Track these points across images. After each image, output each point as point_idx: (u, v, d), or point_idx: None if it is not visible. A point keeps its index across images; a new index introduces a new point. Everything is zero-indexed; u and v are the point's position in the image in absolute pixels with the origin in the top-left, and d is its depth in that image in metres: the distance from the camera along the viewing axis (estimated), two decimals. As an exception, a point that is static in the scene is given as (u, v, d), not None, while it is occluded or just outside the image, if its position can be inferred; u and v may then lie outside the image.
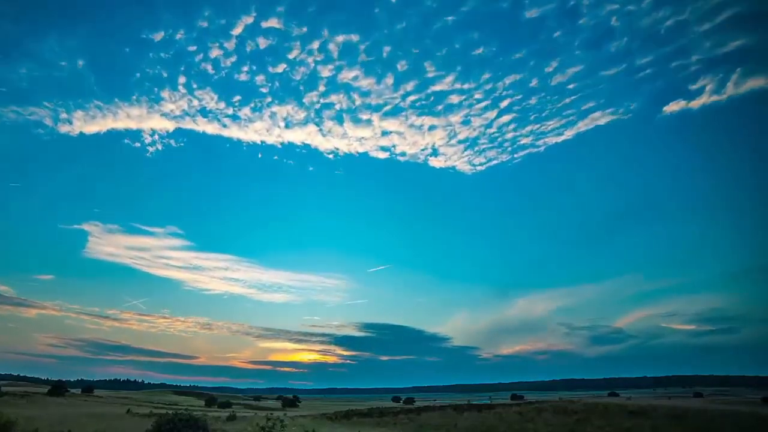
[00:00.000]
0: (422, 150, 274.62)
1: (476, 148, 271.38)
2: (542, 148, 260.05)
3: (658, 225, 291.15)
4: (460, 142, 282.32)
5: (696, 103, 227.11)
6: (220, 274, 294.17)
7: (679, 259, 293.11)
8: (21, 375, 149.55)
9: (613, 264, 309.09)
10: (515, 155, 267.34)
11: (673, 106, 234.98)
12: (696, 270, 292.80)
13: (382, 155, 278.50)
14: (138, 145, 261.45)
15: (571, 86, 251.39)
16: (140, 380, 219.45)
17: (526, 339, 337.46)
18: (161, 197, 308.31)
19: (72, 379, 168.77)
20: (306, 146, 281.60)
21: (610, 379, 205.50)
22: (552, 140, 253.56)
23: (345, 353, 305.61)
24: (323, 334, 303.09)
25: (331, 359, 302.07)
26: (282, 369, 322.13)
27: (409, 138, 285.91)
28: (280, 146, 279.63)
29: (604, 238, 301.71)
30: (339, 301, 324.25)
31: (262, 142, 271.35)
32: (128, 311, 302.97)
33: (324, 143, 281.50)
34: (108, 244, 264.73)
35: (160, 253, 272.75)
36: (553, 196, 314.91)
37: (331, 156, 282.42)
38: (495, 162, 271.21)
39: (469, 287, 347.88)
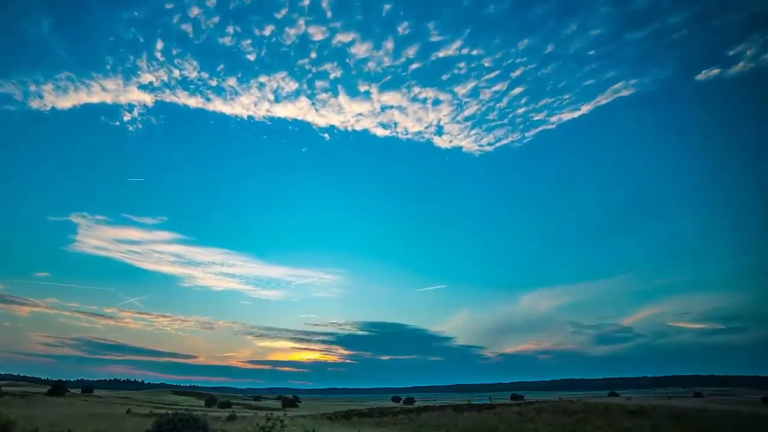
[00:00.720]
0: (426, 128, 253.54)
1: (484, 126, 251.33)
2: (554, 126, 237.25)
3: (679, 217, 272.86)
4: (466, 119, 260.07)
5: (735, 69, 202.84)
6: (215, 269, 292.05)
7: (697, 252, 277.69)
8: (20, 375, 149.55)
9: (627, 258, 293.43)
10: (526, 134, 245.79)
11: (708, 74, 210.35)
12: (711, 265, 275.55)
13: (382, 133, 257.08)
14: (117, 123, 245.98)
15: (591, 52, 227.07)
16: (139, 380, 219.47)
17: (531, 337, 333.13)
18: (149, 184, 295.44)
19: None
20: (298, 122, 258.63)
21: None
22: (567, 116, 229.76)
23: (345, 352, 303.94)
24: (323, 333, 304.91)
25: (330, 359, 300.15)
26: (282, 369, 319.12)
27: (412, 114, 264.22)
28: (269, 122, 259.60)
29: (619, 230, 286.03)
30: (338, 298, 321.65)
31: (249, 117, 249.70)
32: (126, 309, 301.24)
33: (318, 119, 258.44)
34: (97, 238, 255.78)
35: (153, 248, 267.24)
36: (564, 182, 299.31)
37: (326, 135, 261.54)
38: (504, 141, 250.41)
39: (472, 284, 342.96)
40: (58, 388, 49.78)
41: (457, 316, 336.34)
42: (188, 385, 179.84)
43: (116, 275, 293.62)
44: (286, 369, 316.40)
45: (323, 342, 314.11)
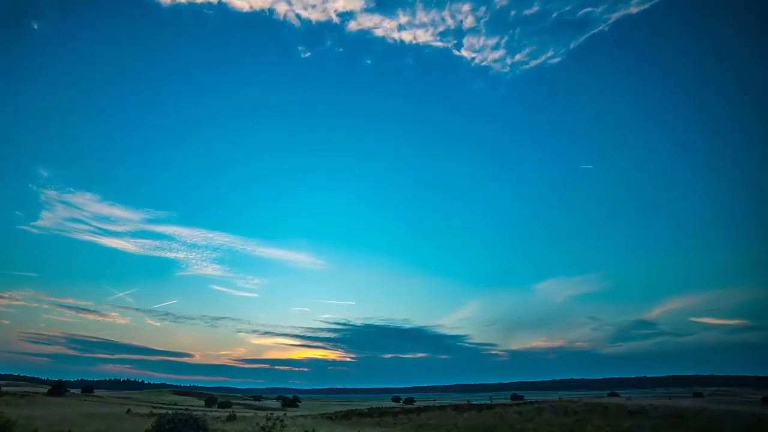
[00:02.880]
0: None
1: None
2: (607, 26, 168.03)
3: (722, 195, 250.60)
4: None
5: None
6: (207, 255, 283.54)
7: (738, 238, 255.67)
8: (20, 375, 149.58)
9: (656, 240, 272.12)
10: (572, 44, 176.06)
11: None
12: (744, 256, 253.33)
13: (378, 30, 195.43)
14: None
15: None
16: (136, 379, 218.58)
17: (544, 333, 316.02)
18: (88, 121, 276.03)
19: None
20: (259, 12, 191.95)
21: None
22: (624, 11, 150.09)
23: (346, 352, 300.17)
24: (323, 329, 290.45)
25: (330, 356, 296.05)
26: (281, 368, 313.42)
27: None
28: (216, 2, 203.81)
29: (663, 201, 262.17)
30: (337, 296, 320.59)
31: None
32: (115, 306, 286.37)
33: (287, 9, 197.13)
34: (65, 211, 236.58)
35: (135, 228, 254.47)
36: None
37: (295, 23, 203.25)
38: (540, 59, 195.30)
39: (480, 274, 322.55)
40: (58, 388, 49.81)
41: (465, 309, 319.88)
42: (188, 384, 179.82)
43: (95, 259, 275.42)
44: (285, 368, 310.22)
45: (321, 339, 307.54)
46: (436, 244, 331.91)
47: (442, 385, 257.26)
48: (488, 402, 49.59)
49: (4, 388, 52.09)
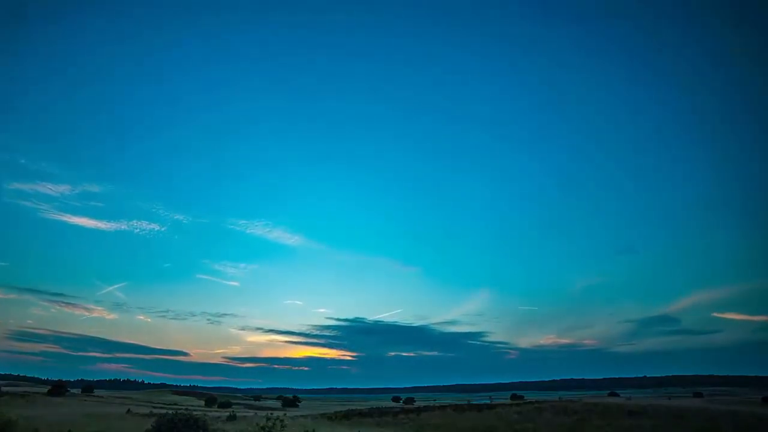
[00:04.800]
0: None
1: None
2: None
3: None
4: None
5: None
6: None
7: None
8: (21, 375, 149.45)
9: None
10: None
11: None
12: None
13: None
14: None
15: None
16: (135, 379, 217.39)
17: (556, 328, 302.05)
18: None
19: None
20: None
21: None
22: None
23: (347, 351, 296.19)
24: (323, 326, 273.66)
25: (330, 354, 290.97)
26: (282, 367, 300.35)
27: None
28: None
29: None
30: (337, 293, 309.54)
31: None
32: (103, 302, 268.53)
33: None
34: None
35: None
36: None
37: None
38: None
39: (488, 267, 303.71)
40: (59, 388, 49.85)
41: (472, 300, 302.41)
42: (188, 384, 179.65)
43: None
44: (286, 367, 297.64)
45: (323, 338, 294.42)
46: (438, 237, 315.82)
47: (442, 385, 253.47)
48: (488, 402, 49.61)
49: (4, 389, 52.10)
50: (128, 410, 33.44)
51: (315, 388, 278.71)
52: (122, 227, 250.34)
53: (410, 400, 73.57)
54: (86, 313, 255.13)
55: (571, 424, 25.96)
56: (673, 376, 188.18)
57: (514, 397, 67.95)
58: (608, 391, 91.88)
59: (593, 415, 28.29)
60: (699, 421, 25.46)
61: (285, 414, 35.27)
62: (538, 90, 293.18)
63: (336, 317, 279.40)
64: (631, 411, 29.01)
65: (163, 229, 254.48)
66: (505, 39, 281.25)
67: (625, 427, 24.30)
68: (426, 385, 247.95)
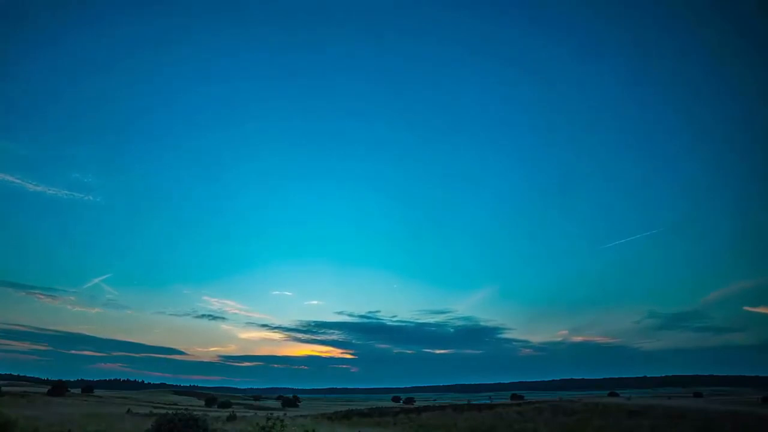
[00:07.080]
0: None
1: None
2: None
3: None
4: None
5: None
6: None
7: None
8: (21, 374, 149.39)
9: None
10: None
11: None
12: None
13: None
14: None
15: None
16: (136, 379, 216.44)
17: (569, 321, 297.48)
18: None
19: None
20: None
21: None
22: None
23: (347, 350, 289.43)
24: (323, 324, 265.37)
25: (330, 353, 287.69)
26: (282, 366, 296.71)
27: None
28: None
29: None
30: (337, 292, 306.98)
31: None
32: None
33: None
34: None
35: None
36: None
37: None
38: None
39: (499, 252, 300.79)
40: (59, 388, 49.87)
41: (480, 293, 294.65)
42: (189, 384, 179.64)
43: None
44: (286, 366, 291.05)
45: (323, 337, 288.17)
46: (444, 233, 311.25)
47: (442, 385, 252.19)
48: (488, 402, 49.64)
49: (4, 388, 52.10)
50: (128, 410, 33.46)
51: (315, 387, 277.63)
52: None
53: (410, 400, 73.61)
54: (72, 308, 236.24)
55: (571, 424, 25.96)
56: (673, 376, 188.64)
57: (514, 397, 67.95)
58: (608, 391, 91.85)
59: (593, 415, 28.29)
60: (699, 421, 25.46)
61: (285, 414, 35.38)
62: (538, 90, 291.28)
63: (339, 316, 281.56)
64: (631, 411, 29.01)
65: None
66: (495, 42, 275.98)
67: (625, 428, 24.29)
68: (426, 385, 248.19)
